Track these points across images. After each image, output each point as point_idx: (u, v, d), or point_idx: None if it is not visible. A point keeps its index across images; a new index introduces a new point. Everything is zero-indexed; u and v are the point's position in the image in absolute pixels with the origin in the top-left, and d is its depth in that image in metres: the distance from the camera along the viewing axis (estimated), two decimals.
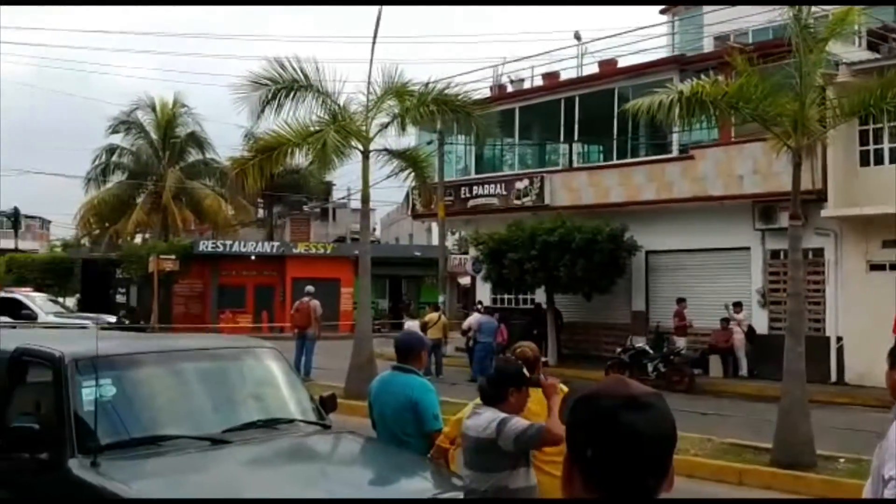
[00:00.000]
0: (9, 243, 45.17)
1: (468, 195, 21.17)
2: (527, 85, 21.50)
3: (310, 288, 17.37)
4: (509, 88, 21.73)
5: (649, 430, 1.41)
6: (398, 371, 4.85)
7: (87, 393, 4.34)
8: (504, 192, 20.29)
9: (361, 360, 13.28)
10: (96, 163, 35.08)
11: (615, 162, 19.24)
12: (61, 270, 35.25)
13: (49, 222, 59.46)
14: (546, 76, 20.95)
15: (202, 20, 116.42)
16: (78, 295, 33.64)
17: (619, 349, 16.60)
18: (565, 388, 4.24)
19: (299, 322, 16.65)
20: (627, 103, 11.24)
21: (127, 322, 22.76)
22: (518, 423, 3.90)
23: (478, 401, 4.27)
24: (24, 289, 25.47)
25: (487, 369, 17.05)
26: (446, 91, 13.71)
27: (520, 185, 20.02)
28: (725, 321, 16.57)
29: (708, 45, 21.27)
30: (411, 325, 17.26)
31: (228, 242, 33.03)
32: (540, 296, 19.43)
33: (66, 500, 4.11)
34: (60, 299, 28.42)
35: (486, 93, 20.52)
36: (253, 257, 32.07)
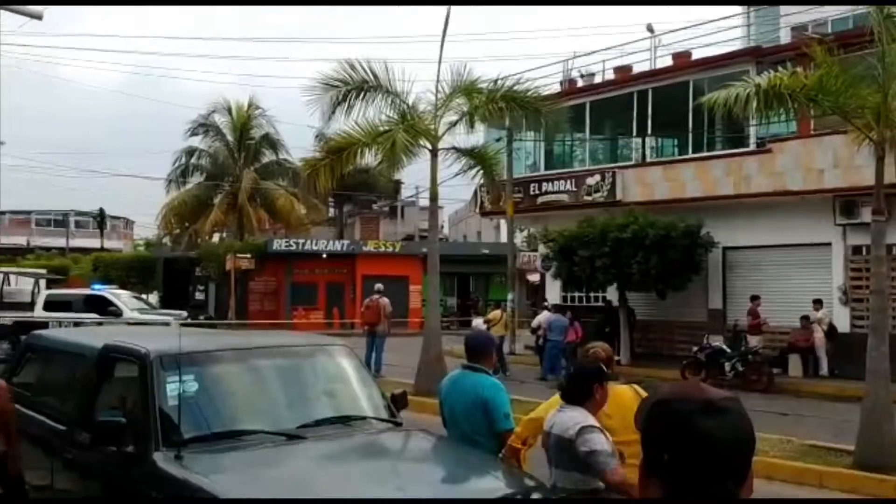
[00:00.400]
0: (95, 243, 47.33)
1: (537, 192, 21.01)
2: (598, 79, 21.20)
3: (379, 286, 17.60)
4: (580, 83, 21.47)
5: (726, 434, 1.40)
6: (468, 370, 4.88)
7: (171, 388, 4.50)
8: (574, 189, 20.05)
9: (430, 358, 13.37)
10: (176, 165, 36.41)
11: (690, 156, 18.80)
12: (144, 268, 36.63)
13: (132, 222, 62.00)
14: (618, 70, 20.61)
15: (278, 24, 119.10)
16: (159, 292, 34.90)
17: (695, 348, 16.21)
18: (643, 392, 4.21)
19: (369, 319, 16.88)
20: (703, 96, 10.98)
21: (189, 318, 23.40)
22: (599, 440, 3.85)
23: (556, 397, 4.27)
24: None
25: (558, 368, 16.90)
26: (515, 87, 13.65)
27: (591, 180, 19.76)
28: (806, 319, 16.02)
29: (785, 36, 20.56)
30: (479, 322, 17.27)
31: (301, 241, 33.75)
32: (612, 293, 19.16)
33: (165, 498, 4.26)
34: (143, 296, 29.54)
35: (556, 88, 20.33)
36: (324, 255, 32.69)
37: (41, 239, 54.12)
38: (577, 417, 3.94)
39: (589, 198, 19.60)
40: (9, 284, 22.76)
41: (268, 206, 36.20)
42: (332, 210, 42.39)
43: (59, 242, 51.03)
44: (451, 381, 4.99)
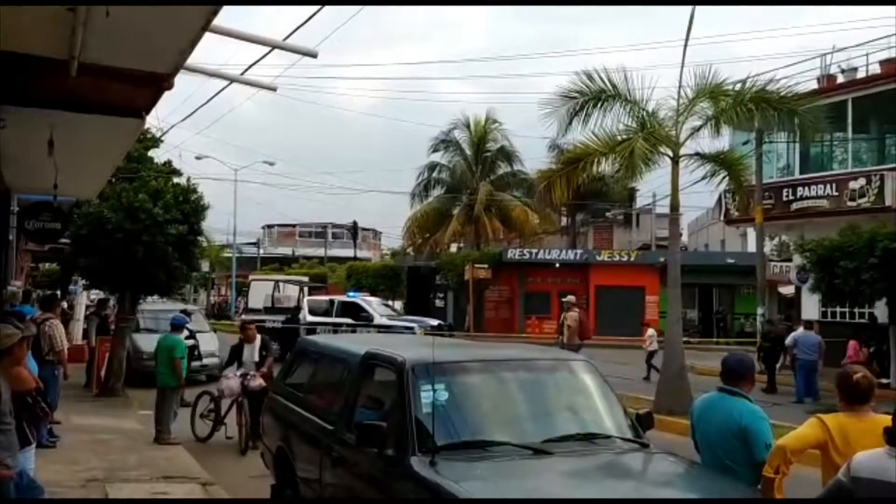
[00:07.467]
0: (349, 252, 51.55)
1: (791, 197, 19.50)
2: (860, 74, 19.24)
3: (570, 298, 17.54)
4: (840, 79, 19.61)
5: None
6: (725, 393, 4.58)
7: (425, 396, 4.73)
8: (835, 194, 18.35)
9: (672, 374, 12.85)
10: (419, 180, 38.68)
11: None
12: (391, 277, 39.20)
13: (380, 233, 66.82)
14: (884, 63, 18.54)
15: (519, 39, 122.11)
16: (404, 299, 37.08)
17: None
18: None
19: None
20: None
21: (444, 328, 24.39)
22: None
23: (813, 421, 3.86)
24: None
25: (815, 390, 15.43)
26: (767, 87, 12.74)
27: (854, 184, 17.97)
28: None
29: None
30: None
31: (534, 251, 34.15)
32: (881, 309, 17.13)
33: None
34: (390, 302, 31.57)
35: (812, 85, 18.74)
36: (557, 265, 32.74)
37: (304, 249, 60.06)
38: None
39: (853, 203, 17.82)
40: (279, 291, 25.47)
41: (503, 217, 37.12)
42: (564, 219, 42.38)
43: (319, 252, 56.27)
44: (705, 404, 4.71)
